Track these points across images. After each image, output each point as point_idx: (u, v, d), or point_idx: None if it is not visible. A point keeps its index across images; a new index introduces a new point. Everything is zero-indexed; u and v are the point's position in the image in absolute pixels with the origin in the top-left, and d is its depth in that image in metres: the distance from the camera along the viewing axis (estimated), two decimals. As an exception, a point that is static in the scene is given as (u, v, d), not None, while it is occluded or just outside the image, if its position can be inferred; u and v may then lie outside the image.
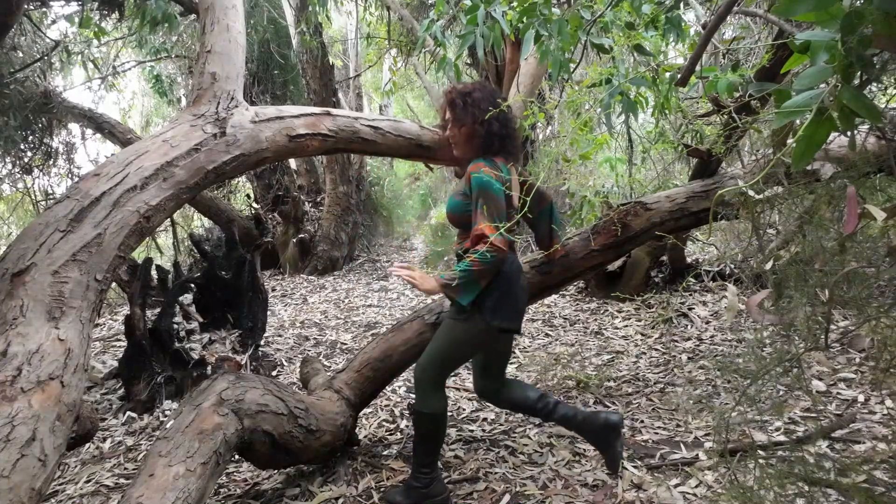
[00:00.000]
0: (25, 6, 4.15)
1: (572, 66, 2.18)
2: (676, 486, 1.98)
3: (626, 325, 3.91)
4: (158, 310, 3.30)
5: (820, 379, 2.67)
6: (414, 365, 2.10)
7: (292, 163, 7.72)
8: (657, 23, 1.94)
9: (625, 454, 2.15)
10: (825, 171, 1.82)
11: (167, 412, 2.93)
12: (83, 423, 1.93)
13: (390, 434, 2.60)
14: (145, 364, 3.01)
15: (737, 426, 2.00)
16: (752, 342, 2.56)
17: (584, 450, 2.30)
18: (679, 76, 1.62)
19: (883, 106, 1.98)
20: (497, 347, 2.08)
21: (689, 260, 4.60)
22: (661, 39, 2.08)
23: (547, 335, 3.96)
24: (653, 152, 4.16)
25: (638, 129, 4.28)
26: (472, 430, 2.55)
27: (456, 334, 1.91)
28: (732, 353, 3.17)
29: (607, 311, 4.27)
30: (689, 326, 3.68)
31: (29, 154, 6.43)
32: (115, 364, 3.35)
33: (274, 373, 3.53)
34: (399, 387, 3.14)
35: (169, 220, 6.36)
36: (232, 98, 2.06)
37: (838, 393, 2.53)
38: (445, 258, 6.51)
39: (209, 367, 3.08)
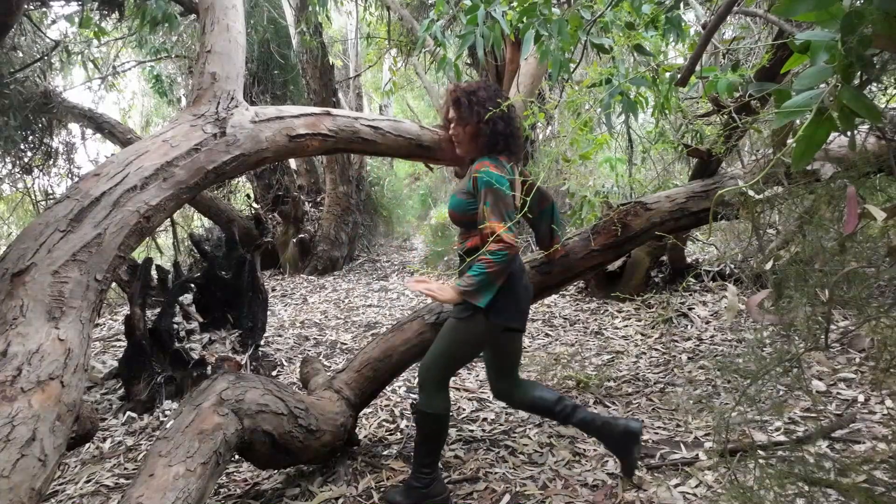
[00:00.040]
0: (25, 6, 4.16)
1: (572, 66, 2.18)
2: (676, 486, 1.98)
3: (626, 325, 3.91)
4: (158, 310, 3.30)
5: (820, 379, 2.67)
6: (414, 365, 2.09)
7: (292, 163, 7.73)
8: (657, 23, 1.94)
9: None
10: (825, 171, 1.82)
11: (167, 412, 2.93)
12: (83, 423, 1.93)
13: (390, 434, 2.60)
14: (145, 364, 3.01)
15: (737, 426, 2.00)
16: (752, 342, 2.56)
17: (584, 450, 2.30)
18: (679, 76, 1.63)
19: (883, 106, 1.98)
20: (504, 347, 2.06)
21: (689, 260, 4.60)
22: (661, 39, 2.08)
23: (547, 335, 3.96)
24: (653, 152, 4.15)
25: (638, 129, 4.28)
26: (472, 430, 2.55)
27: (459, 334, 1.90)
28: (732, 353, 3.17)
29: (607, 311, 4.27)
30: (689, 326, 3.68)
31: (29, 154, 6.43)
32: (115, 364, 3.35)
33: (274, 373, 3.54)
34: (399, 387, 3.14)
35: (169, 220, 6.36)
36: (232, 98, 2.06)
37: (838, 393, 2.54)
38: (445, 258, 6.51)
39: (209, 367, 3.08)
